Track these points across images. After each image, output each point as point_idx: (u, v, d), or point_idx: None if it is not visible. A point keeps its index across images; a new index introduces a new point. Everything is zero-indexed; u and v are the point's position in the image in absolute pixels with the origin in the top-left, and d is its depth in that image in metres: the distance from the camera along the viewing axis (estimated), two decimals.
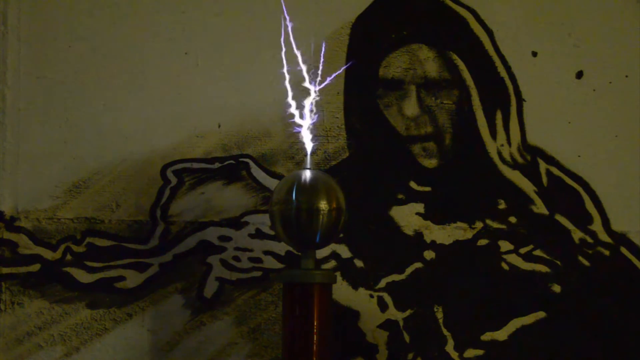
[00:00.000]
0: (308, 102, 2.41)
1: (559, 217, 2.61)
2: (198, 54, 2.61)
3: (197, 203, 2.58)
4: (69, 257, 2.56)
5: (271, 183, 2.60)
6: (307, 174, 2.31)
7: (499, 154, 2.62)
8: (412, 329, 2.59)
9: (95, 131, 2.59)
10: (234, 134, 2.61)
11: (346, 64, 2.63)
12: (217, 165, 2.59)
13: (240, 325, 2.57)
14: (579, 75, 2.65)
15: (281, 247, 2.57)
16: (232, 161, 2.61)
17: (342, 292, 2.57)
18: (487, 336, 2.59)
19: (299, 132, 2.45)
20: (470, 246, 2.61)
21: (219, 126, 2.60)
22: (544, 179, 2.62)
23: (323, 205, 2.27)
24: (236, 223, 2.59)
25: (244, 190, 2.59)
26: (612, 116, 2.65)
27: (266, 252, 2.59)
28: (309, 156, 2.36)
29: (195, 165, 2.59)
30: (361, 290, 2.59)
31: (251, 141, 2.62)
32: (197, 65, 2.61)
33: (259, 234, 2.59)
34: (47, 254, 2.56)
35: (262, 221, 2.59)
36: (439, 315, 2.59)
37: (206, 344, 2.56)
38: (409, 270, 2.60)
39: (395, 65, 2.63)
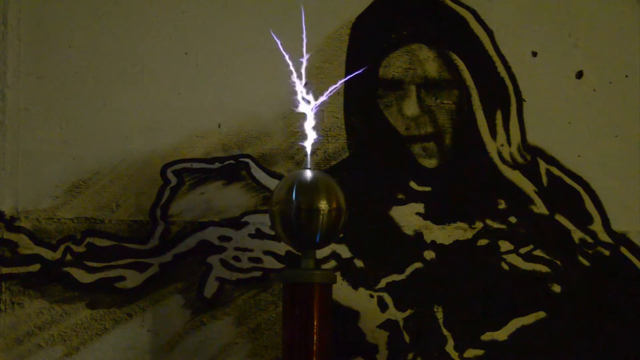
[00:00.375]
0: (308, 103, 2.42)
1: (559, 217, 2.61)
2: (198, 54, 2.61)
3: (197, 203, 2.57)
4: (69, 257, 2.55)
5: (271, 183, 2.59)
6: (307, 174, 2.31)
7: (499, 154, 2.62)
8: (412, 329, 2.59)
9: (95, 131, 2.58)
10: (234, 134, 2.61)
11: (346, 64, 2.63)
12: (217, 165, 2.59)
13: (240, 325, 2.57)
14: (579, 75, 2.64)
15: (281, 247, 2.57)
16: (232, 161, 2.60)
17: (342, 292, 2.57)
18: (487, 336, 2.59)
19: (299, 132, 2.45)
20: (470, 246, 2.61)
21: (219, 126, 2.60)
22: (544, 179, 2.61)
23: (323, 205, 2.27)
24: (236, 223, 2.59)
25: (244, 190, 2.59)
26: (612, 116, 2.64)
27: (266, 252, 2.58)
28: (309, 156, 2.36)
29: (195, 165, 2.58)
30: (361, 290, 2.58)
31: (251, 141, 2.61)
32: (197, 65, 2.61)
33: (259, 234, 2.59)
34: (47, 254, 2.55)
35: (262, 221, 2.59)
36: (439, 315, 2.59)
37: (206, 344, 2.55)
38: (409, 270, 2.60)
39: (395, 65, 2.62)
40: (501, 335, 2.59)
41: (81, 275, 2.55)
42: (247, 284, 2.57)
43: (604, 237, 2.60)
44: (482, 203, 2.61)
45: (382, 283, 2.59)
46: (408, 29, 2.63)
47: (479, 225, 2.60)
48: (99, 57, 2.58)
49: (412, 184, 2.61)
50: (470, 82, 2.62)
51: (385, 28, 2.63)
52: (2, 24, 2.57)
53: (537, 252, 2.60)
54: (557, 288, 2.59)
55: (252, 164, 2.61)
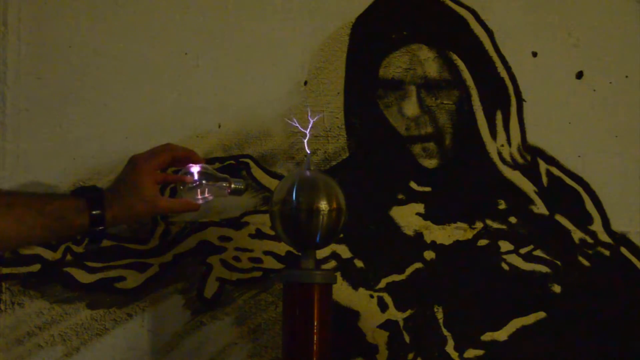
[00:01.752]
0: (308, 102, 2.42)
1: (559, 217, 2.60)
2: (198, 54, 2.60)
3: None
4: (69, 257, 2.55)
5: (271, 183, 2.59)
6: (307, 174, 2.31)
7: (499, 154, 2.61)
8: (412, 329, 2.59)
9: (95, 131, 2.58)
10: (234, 134, 2.60)
11: (346, 64, 2.63)
12: (217, 165, 2.58)
13: (240, 325, 2.57)
14: (579, 75, 2.63)
15: (281, 247, 2.57)
16: (232, 161, 2.60)
17: (342, 292, 2.57)
18: (487, 336, 2.58)
19: (300, 132, 2.45)
20: (470, 246, 2.61)
21: (219, 126, 2.60)
22: (544, 179, 2.59)
23: (323, 205, 2.27)
24: (236, 223, 2.59)
25: None
26: (612, 116, 2.63)
27: (266, 252, 2.58)
28: (309, 156, 2.36)
29: None
30: (361, 290, 2.58)
31: (251, 141, 2.61)
32: (197, 66, 2.60)
33: (259, 234, 2.59)
34: (47, 254, 2.55)
35: (262, 221, 2.59)
36: (439, 315, 2.59)
37: (206, 345, 2.56)
38: (409, 270, 2.60)
39: (395, 65, 2.62)
40: (501, 335, 2.58)
41: (81, 275, 2.55)
42: (247, 284, 2.57)
43: (604, 237, 2.59)
44: (482, 203, 2.61)
45: (382, 283, 2.59)
46: (408, 29, 2.63)
47: (479, 225, 2.60)
48: (99, 57, 2.57)
49: (412, 184, 2.61)
50: (470, 82, 2.62)
51: (385, 28, 2.63)
52: (2, 24, 2.56)
53: (537, 252, 2.59)
54: (557, 288, 2.59)
55: (252, 164, 2.60)
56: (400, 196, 2.61)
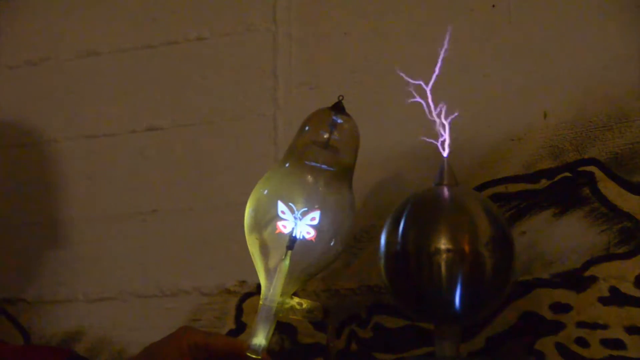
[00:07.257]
0: None
1: None
2: None
3: None
4: None
5: (631, 204, 1.65)
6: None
7: None
8: None
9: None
10: (563, 126, 1.73)
11: None
12: (543, 182, 1.69)
13: None
14: None
15: None
16: (567, 173, 1.69)
17: None
18: None
19: None
20: None
21: (545, 116, 1.73)
22: None
23: (466, 247, 1.43)
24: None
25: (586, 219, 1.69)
26: None
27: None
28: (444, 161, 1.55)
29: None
30: None
31: (595, 134, 1.70)
32: None
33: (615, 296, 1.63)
34: None
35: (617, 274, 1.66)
36: None
37: None
38: None
39: None
40: None
41: None
42: None
43: None
44: None
45: None
46: None
47: None
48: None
49: None
50: None
51: None
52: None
53: None
54: None
55: (598, 173, 1.67)
56: None
